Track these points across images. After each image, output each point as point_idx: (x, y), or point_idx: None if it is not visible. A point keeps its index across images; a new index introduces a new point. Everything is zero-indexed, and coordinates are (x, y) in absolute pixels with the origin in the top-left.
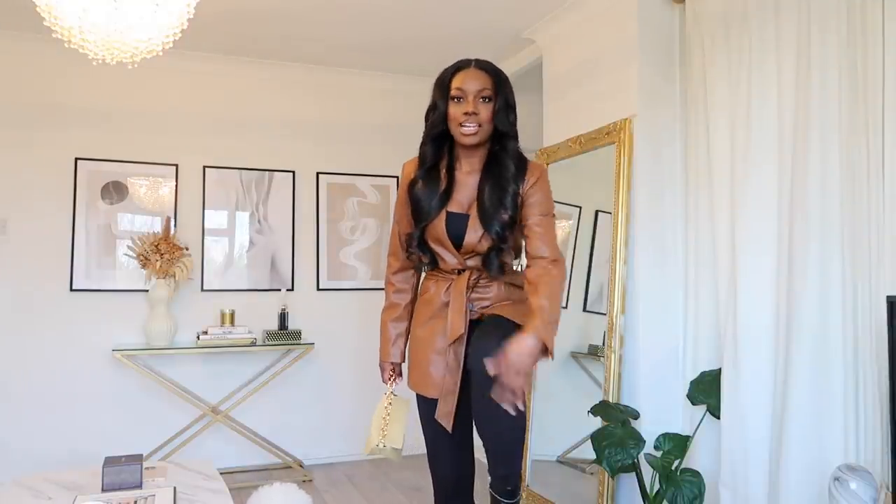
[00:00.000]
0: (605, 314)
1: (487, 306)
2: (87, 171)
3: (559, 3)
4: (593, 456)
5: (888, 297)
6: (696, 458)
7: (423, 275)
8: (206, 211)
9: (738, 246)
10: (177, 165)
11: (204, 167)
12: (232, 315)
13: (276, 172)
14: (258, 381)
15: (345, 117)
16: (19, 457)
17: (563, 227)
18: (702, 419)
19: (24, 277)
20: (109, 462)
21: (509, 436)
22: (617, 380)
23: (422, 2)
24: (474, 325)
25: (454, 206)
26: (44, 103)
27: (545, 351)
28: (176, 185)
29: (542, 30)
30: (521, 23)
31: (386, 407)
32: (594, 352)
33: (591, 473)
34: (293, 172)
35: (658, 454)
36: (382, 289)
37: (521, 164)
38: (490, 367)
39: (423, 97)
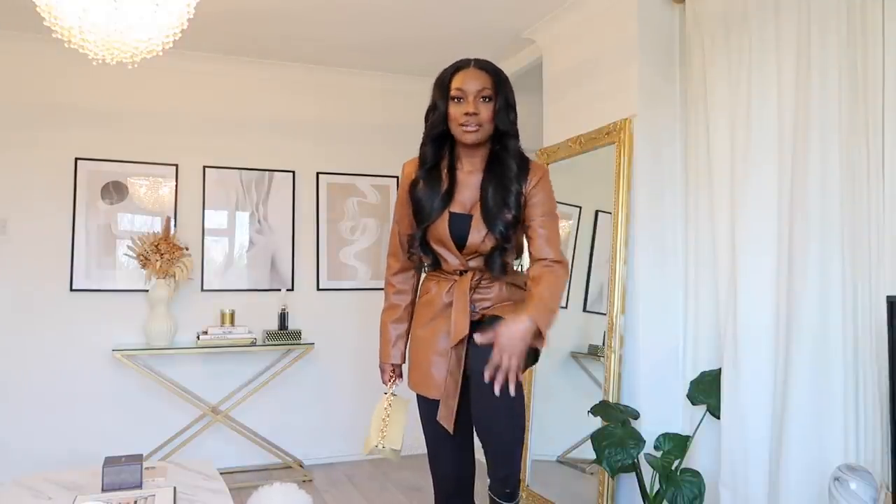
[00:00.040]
0: (605, 314)
1: (489, 307)
2: (87, 171)
3: (559, 3)
4: (593, 456)
5: (888, 297)
6: (696, 458)
7: (423, 276)
8: (206, 211)
9: (738, 246)
10: (177, 165)
11: (204, 167)
12: (232, 315)
13: (276, 172)
14: (258, 381)
15: (345, 117)
16: (19, 457)
17: (563, 228)
18: (702, 419)
19: (24, 277)
20: (109, 462)
21: (509, 437)
22: (617, 380)
23: (422, 2)
24: (475, 325)
25: (456, 207)
26: (44, 103)
27: (539, 336)
28: (176, 185)
29: (542, 30)
30: (521, 23)
31: (385, 408)
32: (594, 352)
33: (591, 473)
34: (293, 172)
35: (658, 454)
36: (382, 289)
37: (524, 163)
38: (479, 338)
39: (423, 97)
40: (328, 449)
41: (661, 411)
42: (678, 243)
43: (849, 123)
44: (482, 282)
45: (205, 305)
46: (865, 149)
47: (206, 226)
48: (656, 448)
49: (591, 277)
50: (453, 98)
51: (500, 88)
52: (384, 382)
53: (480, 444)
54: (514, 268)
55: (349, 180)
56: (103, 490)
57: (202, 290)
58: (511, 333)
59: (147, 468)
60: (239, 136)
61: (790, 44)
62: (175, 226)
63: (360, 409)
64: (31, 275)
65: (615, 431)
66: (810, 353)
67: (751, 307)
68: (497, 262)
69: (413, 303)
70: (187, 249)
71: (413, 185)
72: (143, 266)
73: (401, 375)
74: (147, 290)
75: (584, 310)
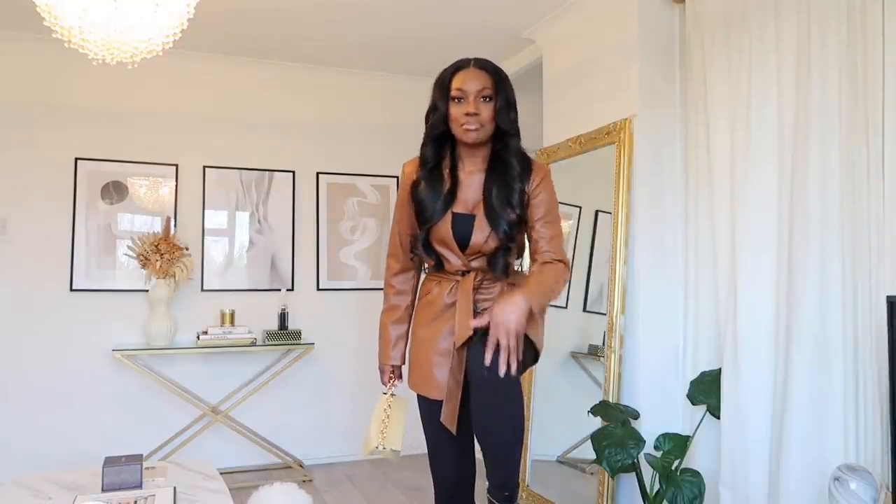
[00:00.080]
0: (605, 314)
1: (490, 307)
2: (87, 171)
3: (559, 3)
4: (593, 456)
5: (888, 297)
6: (696, 458)
7: (423, 276)
8: (206, 211)
9: (738, 246)
10: (177, 165)
11: (204, 167)
12: (232, 315)
13: (276, 172)
14: (258, 381)
15: (345, 117)
16: (19, 457)
17: (563, 227)
18: (702, 419)
19: (24, 277)
20: (109, 462)
21: (508, 437)
22: (617, 380)
23: (422, 2)
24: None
25: (459, 207)
26: (44, 103)
27: (531, 316)
28: (176, 185)
29: (542, 30)
30: (521, 23)
31: (385, 409)
32: (594, 352)
33: (591, 473)
34: (293, 172)
35: (658, 454)
36: (382, 289)
37: (526, 162)
38: (475, 322)
39: (423, 97)
40: (328, 449)
41: (661, 411)
42: (678, 243)
43: (849, 123)
44: (484, 282)
45: (205, 305)
46: (865, 149)
47: (206, 226)
48: (656, 448)
49: (591, 277)
50: (454, 98)
51: (501, 88)
52: (383, 383)
53: (479, 447)
54: (516, 268)
55: (349, 180)
56: (103, 490)
57: (202, 290)
58: (504, 311)
59: (147, 468)
60: (239, 136)
61: (790, 44)
62: (175, 226)
63: (360, 409)
64: (31, 275)
65: (615, 431)
66: (810, 353)
67: (751, 307)
68: (500, 263)
69: (413, 304)
70: (187, 249)
71: (414, 185)
72: (143, 266)
73: (400, 376)
74: (147, 290)
75: (584, 310)
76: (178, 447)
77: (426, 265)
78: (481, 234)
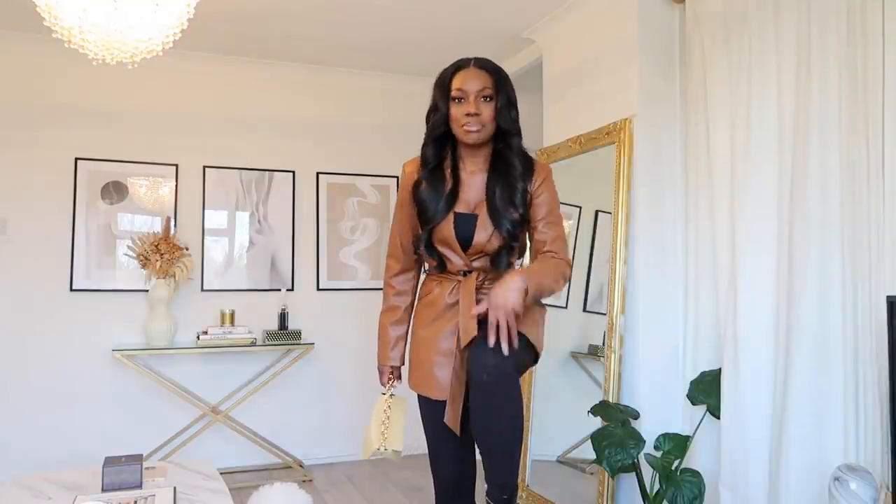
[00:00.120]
0: (605, 314)
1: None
2: (87, 171)
3: (559, 3)
4: (593, 456)
5: (888, 297)
6: (696, 458)
7: (423, 276)
8: (206, 211)
9: (738, 246)
10: (177, 165)
11: (204, 167)
12: (232, 315)
13: (276, 172)
14: (258, 381)
15: (345, 117)
16: (19, 457)
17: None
18: (702, 419)
19: (24, 277)
20: (109, 462)
21: (508, 437)
22: (617, 380)
23: (422, 2)
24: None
25: (461, 207)
26: (44, 103)
27: (526, 294)
28: (176, 185)
29: (542, 30)
30: (521, 23)
31: (385, 410)
32: (594, 352)
33: (591, 473)
34: (293, 172)
35: (658, 454)
36: (382, 289)
37: (528, 162)
38: (475, 310)
39: (423, 97)
40: (328, 449)
41: (661, 411)
42: (678, 243)
43: (849, 123)
44: (486, 282)
45: (205, 305)
46: (865, 149)
47: (206, 226)
48: (656, 448)
49: (591, 277)
50: (454, 98)
51: (501, 87)
52: (382, 384)
53: (478, 449)
54: (517, 268)
55: (349, 180)
56: (103, 490)
57: (202, 290)
58: (501, 291)
59: (147, 468)
60: (239, 136)
61: (790, 44)
62: (175, 226)
63: (360, 409)
64: (31, 275)
65: (615, 431)
66: (810, 353)
67: (751, 307)
68: (504, 262)
69: (412, 304)
70: (187, 249)
71: (416, 186)
72: (143, 266)
73: (399, 377)
74: (147, 290)
75: (584, 310)
76: (178, 447)
77: (426, 265)
78: (484, 233)
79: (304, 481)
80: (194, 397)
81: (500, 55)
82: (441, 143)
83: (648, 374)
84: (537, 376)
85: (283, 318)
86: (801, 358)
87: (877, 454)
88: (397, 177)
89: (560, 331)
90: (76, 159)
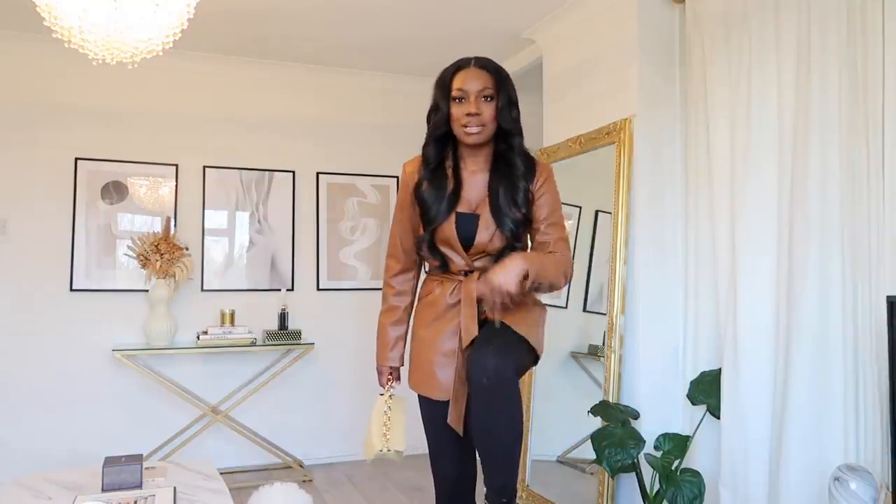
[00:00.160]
0: (605, 314)
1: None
2: (87, 171)
3: (559, 3)
4: (593, 456)
5: (888, 297)
6: (696, 458)
7: (423, 277)
8: (206, 211)
9: (738, 246)
10: (177, 165)
11: (204, 167)
12: (232, 315)
13: (276, 172)
14: (258, 381)
15: (345, 117)
16: (19, 457)
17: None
18: (702, 419)
19: (24, 277)
20: (109, 462)
21: (509, 439)
22: (617, 380)
23: (422, 2)
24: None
25: (463, 207)
26: (44, 103)
27: (526, 279)
28: (176, 185)
29: (542, 30)
30: (521, 23)
31: (385, 411)
32: (594, 352)
33: (591, 473)
34: (293, 172)
35: (658, 454)
36: (382, 289)
37: (530, 162)
38: (476, 284)
39: (423, 97)
40: (328, 449)
41: (661, 411)
42: (678, 243)
43: (849, 123)
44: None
45: (205, 305)
46: (865, 149)
47: (206, 226)
48: (656, 448)
49: (591, 277)
50: (455, 98)
51: (502, 87)
52: (381, 385)
53: (477, 452)
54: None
55: (349, 180)
56: (103, 490)
57: (202, 290)
58: (501, 271)
59: (147, 468)
60: (239, 136)
61: (790, 44)
62: (175, 226)
63: (360, 409)
64: (31, 275)
65: (615, 431)
66: (810, 353)
67: (751, 307)
68: None
69: (412, 305)
70: (187, 249)
71: (417, 186)
72: (143, 266)
73: (398, 378)
74: (147, 290)
75: (584, 310)
76: (178, 447)
77: (427, 265)
78: (486, 232)
79: (304, 481)
80: (194, 397)
81: (500, 55)
82: (442, 142)
83: (648, 374)
84: (537, 376)
85: (283, 318)
86: (801, 358)
87: (877, 454)
88: (397, 177)
89: (560, 331)
90: (76, 159)
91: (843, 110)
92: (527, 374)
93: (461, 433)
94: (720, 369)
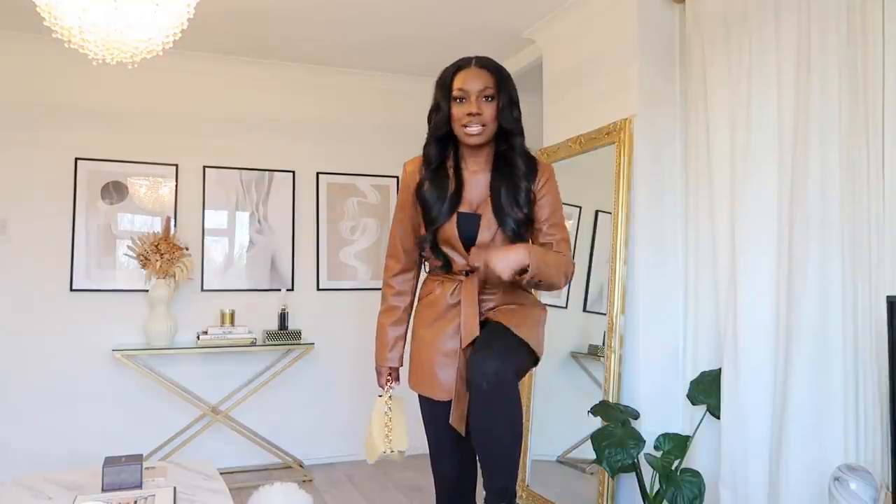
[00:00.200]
0: (605, 314)
1: (492, 308)
2: (87, 171)
3: (559, 3)
4: (593, 456)
5: (888, 297)
6: (696, 458)
7: (423, 277)
8: (206, 211)
9: (738, 246)
10: (177, 165)
11: (204, 167)
12: (232, 315)
13: (276, 172)
14: (258, 381)
15: (345, 117)
16: (19, 457)
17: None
18: (702, 419)
19: (24, 277)
20: (109, 462)
21: (509, 441)
22: (617, 380)
23: (422, 2)
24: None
25: (464, 206)
26: (44, 103)
27: (525, 272)
28: (176, 185)
29: (542, 30)
30: (521, 23)
31: (386, 412)
32: (594, 352)
33: (591, 473)
34: (293, 172)
35: (658, 454)
36: (381, 289)
37: (531, 162)
38: (480, 257)
39: (423, 97)
40: (328, 449)
41: (661, 411)
42: (678, 243)
43: (849, 123)
44: (487, 283)
45: (205, 305)
46: (865, 149)
47: (206, 226)
48: (656, 448)
49: (591, 277)
50: (455, 98)
51: (503, 86)
52: (380, 385)
53: (477, 454)
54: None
55: (349, 180)
56: (103, 490)
57: (202, 290)
58: (502, 256)
59: (147, 468)
60: (239, 136)
61: (790, 44)
62: (175, 226)
63: (360, 409)
64: (31, 275)
65: (615, 431)
66: (810, 353)
67: (751, 307)
68: None
69: (412, 305)
70: (187, 249)
71: (419, 186)
72: (143, 266)
73: (398, 378)
74: (147, 290)
75: (584, 310)
76: (178, 447)
77: (427, 265)
78: (488, 232)
79: (304, 481)
80: (194, 397)
81: (500, 55)
82: (443, 142)
83: (648, 374)
84: (537, 376)
85: (283, 318)
86: (801, 358)
87: (877, 454)
88: (397, 177)
89: (560, 331)
90: (76, 159)
91: (843, 110)
92: (527, 374)
93: (463, 433)
94: (720, 369)
